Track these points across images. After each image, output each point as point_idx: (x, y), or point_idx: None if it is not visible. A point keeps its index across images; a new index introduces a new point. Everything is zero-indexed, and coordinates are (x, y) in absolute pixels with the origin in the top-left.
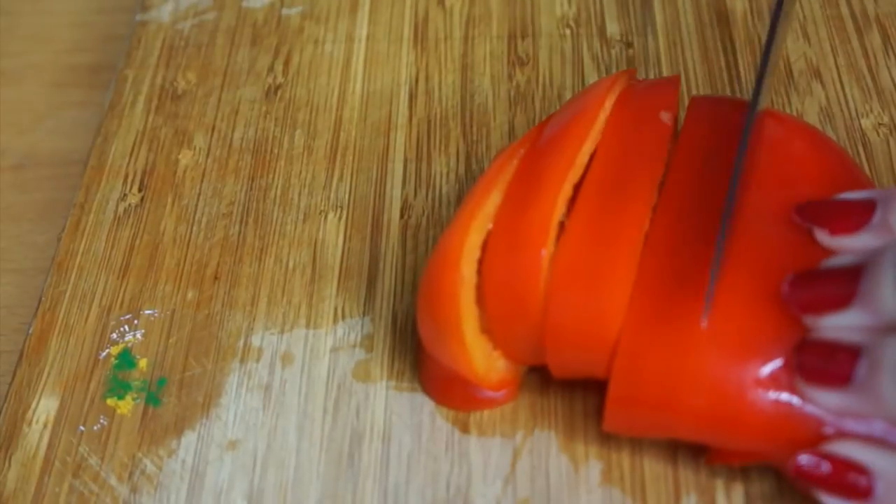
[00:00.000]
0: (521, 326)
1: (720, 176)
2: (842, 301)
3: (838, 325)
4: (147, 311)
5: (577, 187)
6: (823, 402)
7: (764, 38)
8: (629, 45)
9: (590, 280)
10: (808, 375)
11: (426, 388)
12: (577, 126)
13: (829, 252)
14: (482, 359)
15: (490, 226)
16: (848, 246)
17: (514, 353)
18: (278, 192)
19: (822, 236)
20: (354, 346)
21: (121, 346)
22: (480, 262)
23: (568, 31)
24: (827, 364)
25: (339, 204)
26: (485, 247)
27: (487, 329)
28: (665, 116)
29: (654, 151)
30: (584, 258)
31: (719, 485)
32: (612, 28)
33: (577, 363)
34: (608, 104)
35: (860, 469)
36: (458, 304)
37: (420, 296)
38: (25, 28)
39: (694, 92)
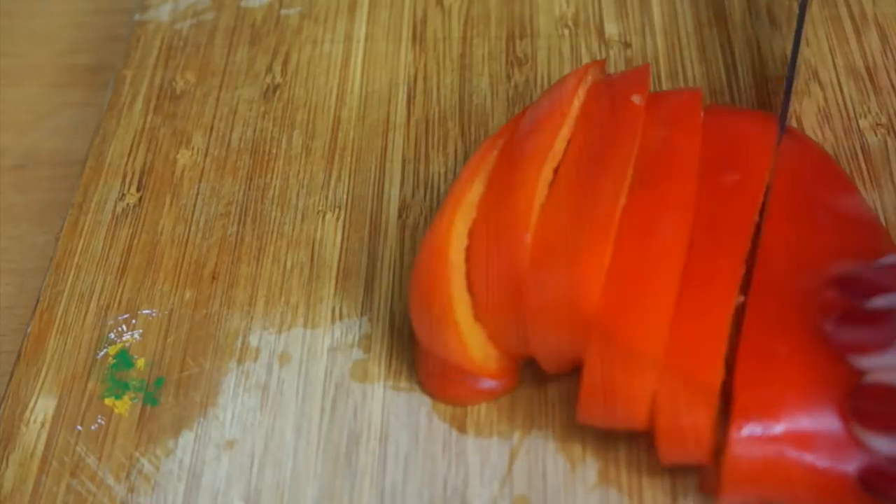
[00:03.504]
0: (509, 312)
1: (684, 160)
2: (886, 342)
3: (883, 365)
4: (145, 311)
5: (556, 172)
6: (879, 447)
7: (763, 40)
8: (627, 45)
9: (565, 257)
10: (866, 421)
11: (424, 385)
12: (553, 114)
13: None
14: (478, 346)
15: (474, 214)
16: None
17: (505, 342)
18: (276, 192)
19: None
20: (352, 346)
21: (118, 346)
22: (468, 249)
23: (566, 32)
24: (885, 409)
25: (337, 204)
26: (471, 234)
27: (479, 318)
28: (637, 99)
29: (628, 132)
30: (559, 236)
31: None
32: (611, 28)
33: (558, 346)
34: (581, 92)
35: None
36: (451, 293)
37: (412, 289)
38: (25, 29)
39: None
